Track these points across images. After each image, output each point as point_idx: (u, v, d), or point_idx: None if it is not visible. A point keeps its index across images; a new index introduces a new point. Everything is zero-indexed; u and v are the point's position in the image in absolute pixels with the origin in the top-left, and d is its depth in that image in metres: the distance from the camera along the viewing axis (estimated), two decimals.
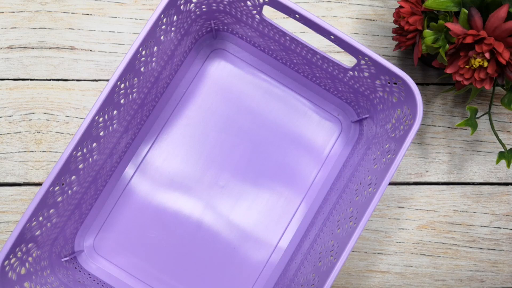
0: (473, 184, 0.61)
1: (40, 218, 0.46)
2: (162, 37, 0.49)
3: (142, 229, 0.57)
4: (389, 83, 0.48)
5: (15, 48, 0.60)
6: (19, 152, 0.59)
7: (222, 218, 0.58)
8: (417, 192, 0.60)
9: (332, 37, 0.46)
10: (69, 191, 0.49)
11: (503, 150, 0.59)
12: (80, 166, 0.48)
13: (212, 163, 0.58)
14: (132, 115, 0.54)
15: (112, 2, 0.61)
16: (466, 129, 0.61)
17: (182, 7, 0.49)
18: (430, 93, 0.61)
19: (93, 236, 0.57)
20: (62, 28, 0.60)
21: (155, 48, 0.49)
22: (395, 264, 0.60)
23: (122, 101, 0.49)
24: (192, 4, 0.51)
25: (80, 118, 0.59)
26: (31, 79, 0.59)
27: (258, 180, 0.58)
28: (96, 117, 0.45)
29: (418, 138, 0.61)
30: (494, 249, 0.60)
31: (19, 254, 0.46)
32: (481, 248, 0.60)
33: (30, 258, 0.48)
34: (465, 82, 0.49)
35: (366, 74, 0.50)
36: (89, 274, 0.55)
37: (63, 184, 0.46)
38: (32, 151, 0.59)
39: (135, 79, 0.49)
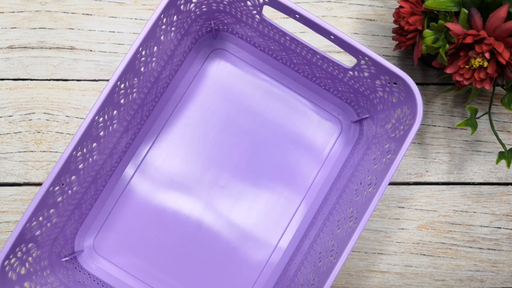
0: (473, 184, 0.61)
1: (40, 218, 0.46)
2: (162, 37, 0.49)
3: (142, 229, 0.57)
4: (389, 83, 0.48)
5: (15, 48, 0.60)
6: (19, 152, 0.59)
7: (222, 218, 0.58)
8: (417, 192, 0.60)
9: (332, 37, 0.46)
10: (69, 191, 0.49)
11: (503, 150, 0.59)
12: (80, 166, 0.48)
13: (212, 163, 0.58)
14: (132, 115, 0.54)
15: (112, 2, 0.61)
16: (466, 129, 0.61)
17: (182, 7, 0.49)
18: (430, 93, 0.61)
19: (93, 236, 0.57)
20: (62, 28, 0.60)
21: (155, 48, 0.49)
22: (395, 264, 0.60)
23: (122, 101, 0.49)
24: (192, 4, 0.51)
25: (80, 118, 0.59)
26: (31, 79, 0.59)
27: (258, 180, 0.58)
28: (96, 117, 0.45)
29: (418, 138, 0.61)
30: (494, 249, 0.60)
31: (19, 254, 0.46)
32: (481, 248, 0.60)
33: (30, 258, 0.48)
34: (465, 82, 0.49)
35: (366, 74, 0.50)
36: (89, 274, 0.55)
37: (63, 184, 0.46)
38: (32, 151, 0.59)
39: (135, 79, 0.49)
